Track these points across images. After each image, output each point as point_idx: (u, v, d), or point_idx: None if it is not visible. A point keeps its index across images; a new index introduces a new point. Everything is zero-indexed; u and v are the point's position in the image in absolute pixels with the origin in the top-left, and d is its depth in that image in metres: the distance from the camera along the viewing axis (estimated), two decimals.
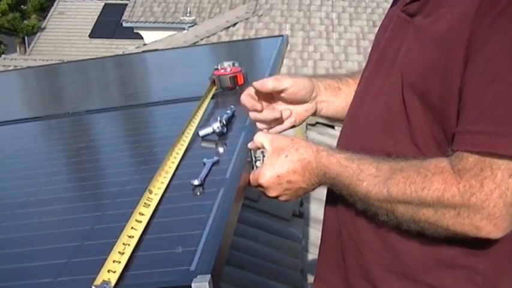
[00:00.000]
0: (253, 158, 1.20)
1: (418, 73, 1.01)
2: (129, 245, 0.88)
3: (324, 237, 1.26)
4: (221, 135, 1.32)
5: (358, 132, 1.15)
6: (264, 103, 1.26)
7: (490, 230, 0.93)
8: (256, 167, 1.18)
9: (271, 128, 1.28)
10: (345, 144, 1.17)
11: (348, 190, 1.06)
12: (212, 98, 1.58)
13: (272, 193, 1.14)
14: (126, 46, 15.11)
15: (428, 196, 0.96)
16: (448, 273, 1.05)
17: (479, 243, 0.98)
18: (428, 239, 1.02)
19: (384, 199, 1.01)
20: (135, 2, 15.27)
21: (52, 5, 20.98)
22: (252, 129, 1.33)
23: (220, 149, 1.28)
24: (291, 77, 1.27)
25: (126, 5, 15.90)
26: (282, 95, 1.25)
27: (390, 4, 1.21)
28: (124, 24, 15.17)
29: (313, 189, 1.15)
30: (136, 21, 14.95)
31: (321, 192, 1.21)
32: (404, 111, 1.04)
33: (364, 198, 1.04)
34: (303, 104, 1.29)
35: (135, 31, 15.29)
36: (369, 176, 1.03)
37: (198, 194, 1.07)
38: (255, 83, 1.24)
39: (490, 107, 0.90)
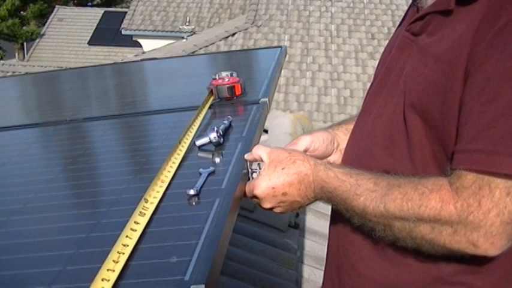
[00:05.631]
0: (249, 170, 1.19)
1: (420, 92, 1.02)
2: (123, 253, 0.88)
3: (327, 258, 1.25)
4: (218, 146, 1.32)
5: (360, 148, 1.15)
6: None
7: (487, 247, 0.93)
8: (253, 178, 1.18)
9: None
10: (348, 160, 1.17)
11: (345, 205, 1.06)
12: (210, 108, 1.58)
13: (267, 204, 1.14)
14: (125, 54, 15.16)
15: (425, 213, 0.96)
16: None
17: (477, 260, 0.98)
18: (426, 255, 1.02)
19: (381, 215, 1.01)
20: (134, 10, 15.32)
21: (52, 12, 21.02)
22: (248, 140, 1.33)
23: (217, 159, 1.28)
24: (308, 134, 1.27)
25: (126, 13, 15.96)
26: (307, 153, 1.23)
27: (398, 22, 1.22)
28: (123, 32, 15.22)
29: (309, 203, 1.14)
30: (136, 30, 15.00)
31: (318, 204, 1.21)
32: (405, 130, 1.04)
33: (361, 213, 1.04)
34: (328, 156, 1.28)
35: (134, 39, 15.33)
36: (366, 191, 1.03)
37: (194, 203, 1.07)
38: None
39: (487, 126, 0.91)
